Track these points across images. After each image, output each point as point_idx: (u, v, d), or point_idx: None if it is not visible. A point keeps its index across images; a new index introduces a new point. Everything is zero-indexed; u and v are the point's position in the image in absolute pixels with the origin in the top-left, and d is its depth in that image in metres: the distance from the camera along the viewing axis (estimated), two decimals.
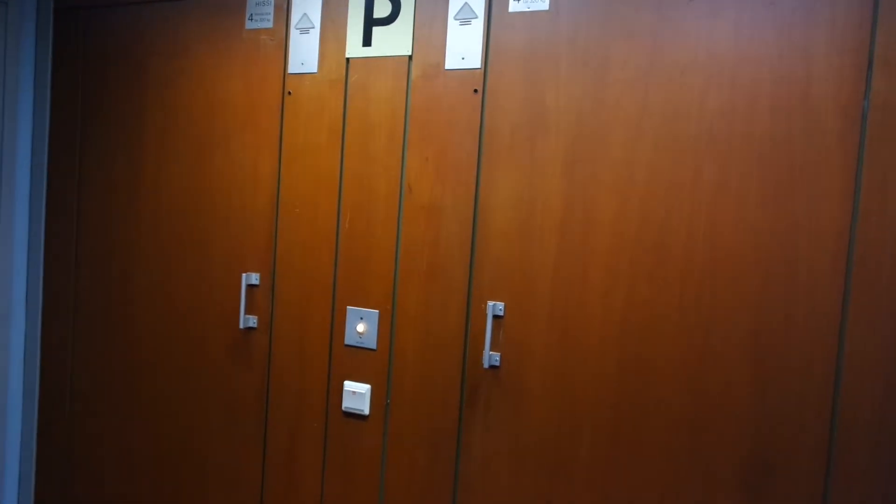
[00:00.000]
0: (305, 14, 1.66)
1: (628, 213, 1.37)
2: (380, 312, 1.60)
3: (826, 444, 1.25)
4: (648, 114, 1.35)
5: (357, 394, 1.60)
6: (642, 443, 1.37)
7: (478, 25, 1.49)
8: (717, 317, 1.31)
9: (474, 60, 1.50)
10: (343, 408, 1.62)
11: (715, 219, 1.31)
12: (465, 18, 1.50)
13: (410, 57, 1.56)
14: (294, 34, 1.68)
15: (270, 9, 1.70)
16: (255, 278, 1.73)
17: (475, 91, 1.50)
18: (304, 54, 1.67)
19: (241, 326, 1.72)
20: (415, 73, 1.56)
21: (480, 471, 1.51)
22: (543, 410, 1.45)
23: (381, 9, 1.58)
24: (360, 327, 1.61)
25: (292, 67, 1.68)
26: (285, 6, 1.68)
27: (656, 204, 1.35)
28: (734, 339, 1.30)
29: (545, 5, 1.43)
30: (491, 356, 1.48)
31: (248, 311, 1.75)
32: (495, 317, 1.48)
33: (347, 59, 1.63)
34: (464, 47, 1.51)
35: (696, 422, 1.33)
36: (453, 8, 1.51)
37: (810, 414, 1.26)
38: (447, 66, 1.53)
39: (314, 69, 1.66)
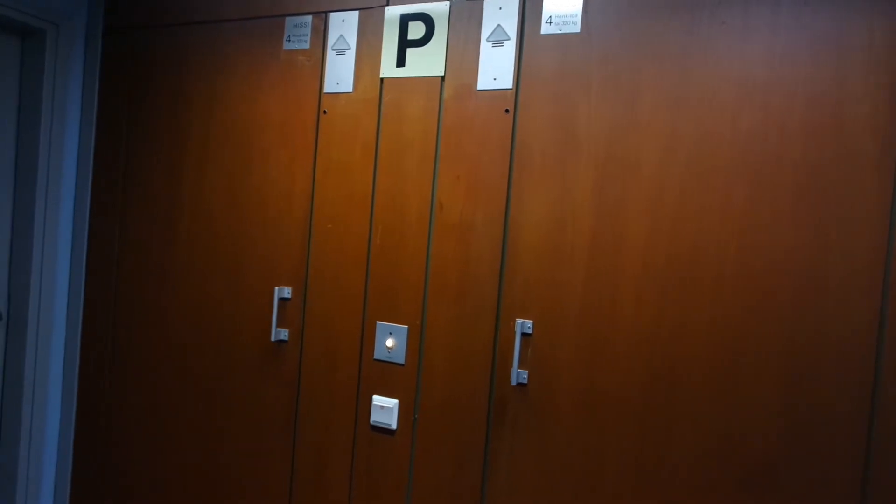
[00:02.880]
0: (342, 35, 1.71)
1: (658, 233, 1.38)
2: (409, 328, 1.62)
3: (862, 463, 1.22)
4: (679, 136, 1.36)
5: (385, 408, 1.62)
6: (670, 462, 1.36)
7: (510, 47, 1.52)
8: (746, 336, 1.30)
9: (506, 81, 1.52)
10: (371, 422, 1.64)
11: (745, 241, 1.30)
12: (498, 40, 1.53)
13: (443, 77, 1.60)
14: (330, 55, 1.73)
15: (308, 30, 1.76)
16: (287, 292, 1.76)
17: (506, 111, 1.52)
18: (339, 74, 1.72)
19: (273, 339, 1.75)
20: (447, 93, 1.59)
21: (506, 487, 1.51)
22: (571, 428, 1.45)
23: (416, 30, 1.62)
24: (390, 342, 1.63)
25: (328, 87, 1.73)
26: (322, 28, 1.73)
27: (687, 225, 1.35)
28: (763, 358, 1.29)
29: (576, 28, 1.45)
30: (519, 374, 1.48)
31: (279, 325, 1.78)
32: (524, 334, 1.49)
33: (382, 80, 1.67)
34: (496, 68, 1.53)
35: (728, 433, 1.32)
36: (486, 30, 1.55)
37: (843, 433, 1.24)
38: (479, 87, 1.55)
39: (349, 89, 1.70)
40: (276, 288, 1.76)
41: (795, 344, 1.27)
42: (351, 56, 1.70)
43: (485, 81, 1.55)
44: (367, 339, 1.67)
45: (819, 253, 1.25)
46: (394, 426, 1.62)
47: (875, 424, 1.21)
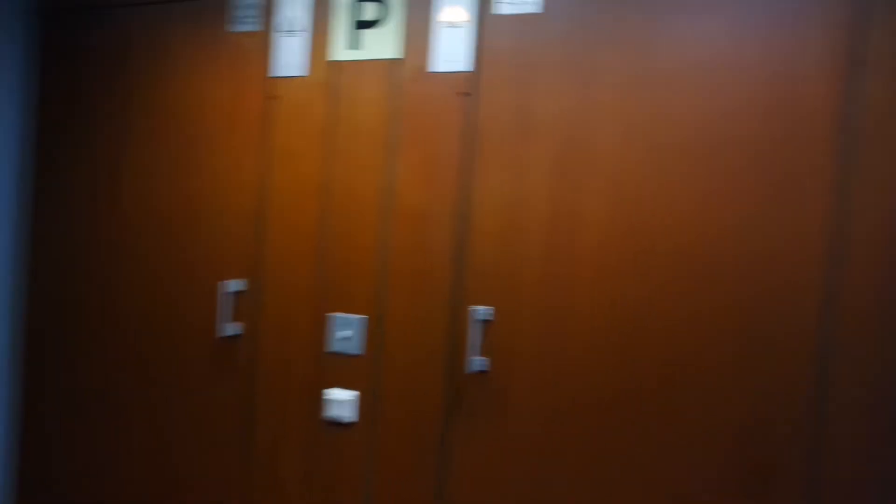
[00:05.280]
0: (291, 16, 1.65)
1: (617, 216, 1.36)
2: (365, 318, 1.57)
3: (814, 429, 1.24)
4: (638, 118, 1.35)
5: (342, 401, 1.57)
6: (633, 443, 1.35)
7: (467, 28, 1.49)
8: (704, 314, 1.30)
9: (463, 63, 1.49)
10: (328, 415, 1.59)
11: (704, 221, 1.30)
12: (455, 21, 1.50)
13: (398, 60, 1.55)
14: (279, 37, 1.66)
15: (256, 12, 1.69)
16: (238, 285, 1.69)
17: (464, 94, 1.49)
18: (289, 57, 1.65)
19: (224, 334, 1.68)
20: (404, 76, 1.55)
21: (466, 476, 1.48)
22: (532, 415, 1.43)
23: (370, 11, 1.57)
24: (346, 333, 1.58)
25: (278, 70, 1.66)
26: (270, 9, 1.67)
27: (645, 208, 1.34)
28: (722, 336, 1.29)
29: (535, 8, 1.43)
30: (478, 361, 1.45)
31: (233, 318, 1.71)
32: (483, 321, 1.46)
33: (334, 63, 1.61)
34: (452, 50, 1.50)
35: (686, 415, 1.31)
36: (443, 11, 1.51)
37: (796, 401, 1.25)
38: (435, 69, 1.52)
39: (300, 72, 1.64)
40: (224, 281, 1.69)
41: (751, 318, 1.27)
42: (301, 38, 1.64)
43: (441, 64, 1.51)
44: (323, 330, 1.62)
45: (771, 232, 1.26)
46: (351, 419, 1.57)
47: (827, 395, 1.23)
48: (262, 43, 1.69)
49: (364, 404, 1.57)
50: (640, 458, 1.35)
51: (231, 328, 1.69)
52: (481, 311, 1.45)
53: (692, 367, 1.31)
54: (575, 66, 1.40)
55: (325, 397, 1.59)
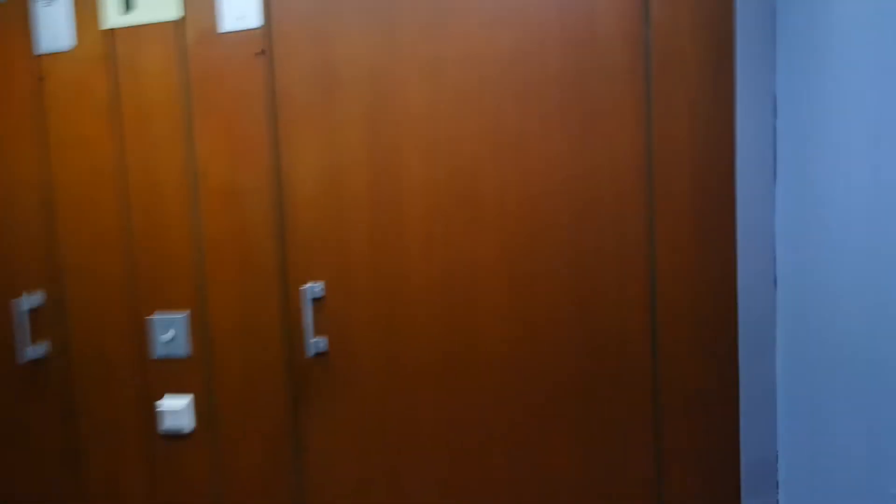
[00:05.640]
0: None
1: (437, 167, 1.30)
2: (187, 314, 1.41)
3: (650, 372, 1.26)
4: (444, 62, 1.28)
5: (176, 410, 1.41)
6: (480, 403, 1.32)
7: None
8: (536, 256, 1.28)
9: (254, 19, 1.34)
10: (164, 428, 1.43)
11: (523, 163, 1.27)
12: None
13: (180, 21, 1.37)
14: (38, 6, 1.41)
15: None
16: (34, 300, 1.46)
17: (259, 53, 1.34)
18: (54, 29, 1.41)
19: (23, 360, 1.45)
20: (189, 39, 1.37)
21: (323, 464, 1.39)
22: (379, 391, 1.35)
23: None
24: (169, 335, 1.41)
25: (42, 46, 1.42)
26: None
27: (464, 155, 1.29)
28: (554, 276, 1.27)
29: None
30: (316, 342, 1.35)
31: (37, 338, 1.48)
32: (315, 299, 1.35)
33: (106, 31, 1.40)
34: (240, 5, 1.34)
35: (527, 371, 1.30)
36: None
37: (631, 327, 1.27)
38: (224, 29, 1.35)
39: (68, 46, 1.41)
40: (17, 299, 1.45)
41: (580, 261, 1.26)
42: (65, 5, 1.41)
43: (230, 22, 1.35)
44: (143, 335, 1.44)
45: (589, 167, 1.25)
46: (188, 428, 1.42)
47: (656, 333, 1.25)
48: (20, 14, 1.43)
49: (200, 409, 1.43)
50: (489, 419, 1.32)
51: (34, 351, 1.46)
52: (312, 288, 1.34)
53: (528, 303, 1.29)
54: (376, 9, 1.29)
55: (160, 407, 1.42)
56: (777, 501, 1.20)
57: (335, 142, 1.32)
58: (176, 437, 1.44)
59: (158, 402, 1.42)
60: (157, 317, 1.42)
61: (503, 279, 1.29)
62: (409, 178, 1.30)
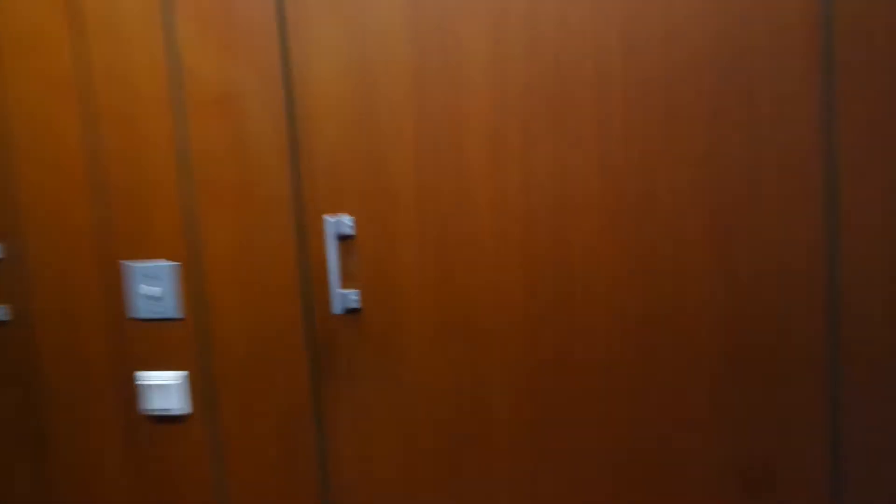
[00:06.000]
0: None
1: (511, 51, 0.94)
2: (177, 266, 1.08)
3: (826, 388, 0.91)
4: None
5: (164, 386, 1.09)
6: (568, 393, 0.98)
7: None
8: (659, 177, 0.92)
9: None
10: (149, 407, 1.11)
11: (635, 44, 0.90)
12: None
13: None
14: None
15: None
16: None
17: None
18: None
19: None
20: None
21: (356, 457, 1.06)
22: (429, 354, 1.02)
23: None
24: (153, 290, 1.08)
25: None
26: None
27: (568, 25, 0.92)
28: (690, 219, 0.92)
29: None
30: (344, 295, 1.01)
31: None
32: (343, 238, 1.01)
33: None
34: None
35: (652, 318, 0.95)
36: None
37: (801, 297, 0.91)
38: None
39: None
40: None
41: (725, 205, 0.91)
42: None
43: None
44: (119, 291, 1.11)
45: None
46: (183, 410, 1.10)
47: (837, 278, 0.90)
48: None
49: (195, 385, 1.10)
50: (597, 411, 0.98)
51: None
52: (339, 222, 1.00)
53: (652, 255, 0.94)
54: None
55: (138, 382, 1.11)
56: None
57: (364, 21, 0.97)
58: (165, 419, 1.12)
59: (139, 375, 1.10)
60: (138, 264, 1.09)
61: (609, 205, 0.94)
62: (469, 69, 0.95)
